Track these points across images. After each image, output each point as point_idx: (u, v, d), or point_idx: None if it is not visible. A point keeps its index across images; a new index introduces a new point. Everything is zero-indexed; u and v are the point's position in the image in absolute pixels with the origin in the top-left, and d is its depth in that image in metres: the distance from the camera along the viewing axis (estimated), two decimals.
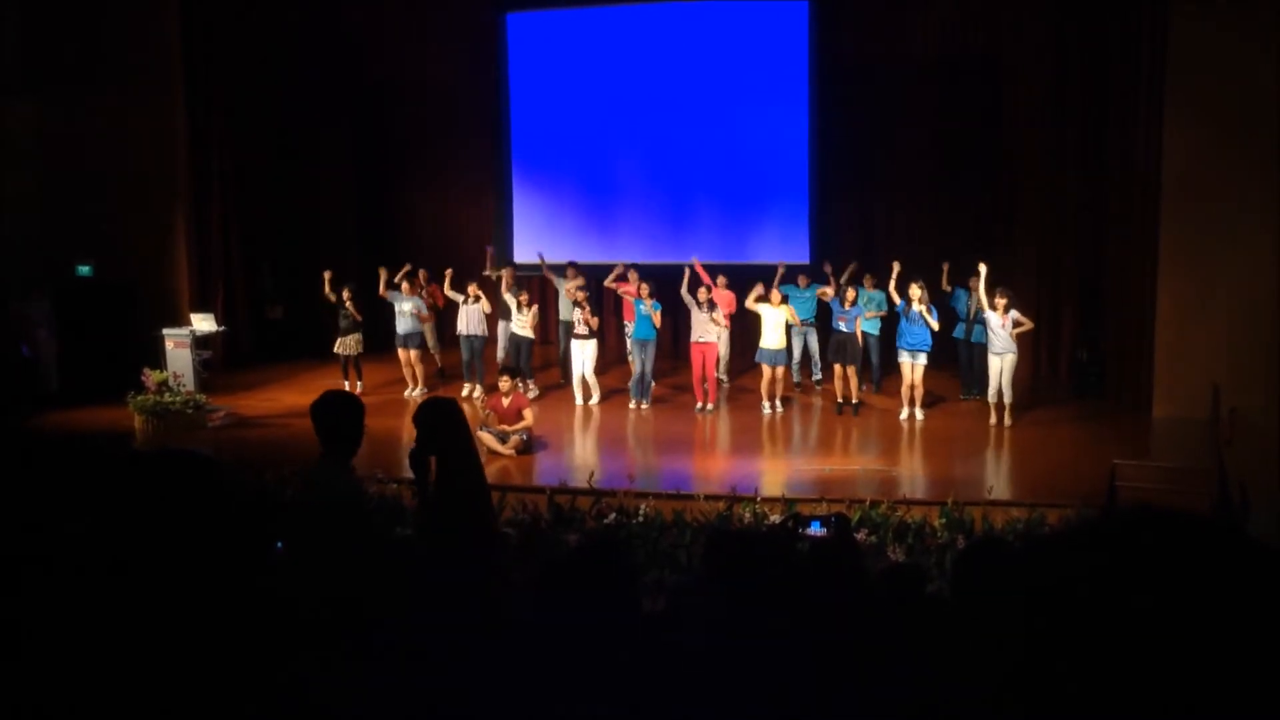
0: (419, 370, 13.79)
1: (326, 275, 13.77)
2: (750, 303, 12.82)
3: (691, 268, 13.47)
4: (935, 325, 12.26)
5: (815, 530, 3.99)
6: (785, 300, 12.81)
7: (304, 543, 4.43)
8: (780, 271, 13.77)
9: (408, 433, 12.03)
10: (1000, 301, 11.79)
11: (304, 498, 4.68)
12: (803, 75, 16.01)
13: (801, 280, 13.84)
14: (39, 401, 13.02)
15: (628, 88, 16.37)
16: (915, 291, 12.20)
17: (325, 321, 14.26)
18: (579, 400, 13.27)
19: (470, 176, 17.11)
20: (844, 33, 15.90)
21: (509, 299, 13.55)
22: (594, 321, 13.12)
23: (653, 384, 13.22)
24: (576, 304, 13.12)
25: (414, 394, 13.69)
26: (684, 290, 13.12)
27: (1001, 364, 11.83)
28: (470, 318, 13.42)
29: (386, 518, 9.36)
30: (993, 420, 12.05)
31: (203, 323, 13.58)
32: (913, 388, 12.32)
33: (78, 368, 13.58)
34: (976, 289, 12.52)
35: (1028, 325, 11.95)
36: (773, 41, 16.16)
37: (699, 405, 12.93)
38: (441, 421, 4.98)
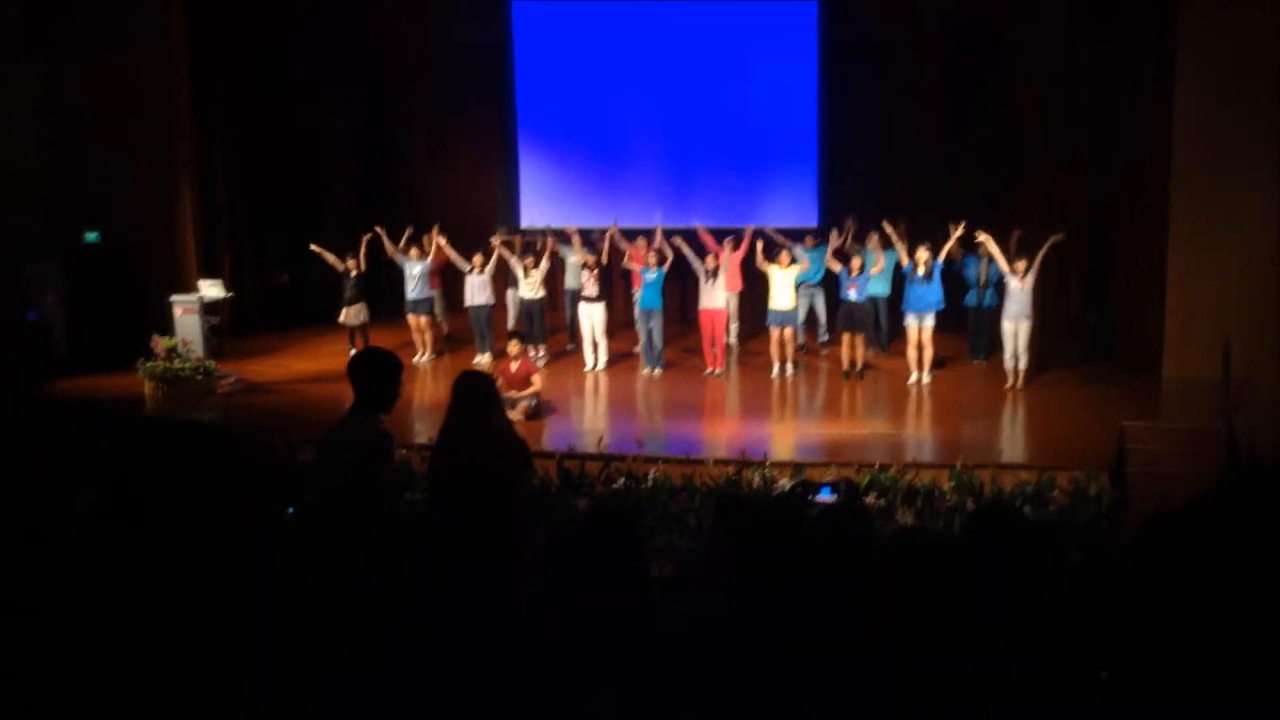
0: (428, 336, 13.78)
1: (365, 239, 13.76)
2: (760, 262, 12.77)
3: (695, 239, 13.31)
4: (946, 253, 12.22)
5: (825, 496, 3.99)
6: (793, 260, 12.77)
7: (325, 488, 4.42)
8: (773, 234, 13.62)
9: (418, 398, 12.12)
10: (1020, 265, 11.78)
11: (331, 443, 4.67)
12: (811, 40, 15.93)
13: (808, 240, 13.76)
14: (48, 367, 13.06)
15: (634, 51, 16.26)
16: (922, 254, 12.14)
17: (332, 287, 14.21)
18: (588, 364, 13.26)
19: (476, 143, 17.00)
20: None
21: (515, 266, 13.50)
22: (596, 274, 13.00)
23: (663, 350, 13.15)
24: (585, 265, 13.06)
25: (423, 360, 13.70)
26: (687, 251, 13.00)
27: (1017, 328, 11.83)
28: (474, 288, 13.38)
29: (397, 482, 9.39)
30: (1009, 384, 12.05)
31: (211, 289, 13.57)
32: (920, 348, 12.30)
33: (86, 333, 13.61)
34: (986, 255, 12.47)
35: (1036, 264, 11.87)
36: (780, 5, 16.03)
37: (708, 369, 12.94)
38: (480, 398, 4.99)
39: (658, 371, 12.99)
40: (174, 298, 13.20)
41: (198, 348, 12.85)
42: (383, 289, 14.52)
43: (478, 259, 13.40)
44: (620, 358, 13.62)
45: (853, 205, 15.50)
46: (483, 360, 13.24)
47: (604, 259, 13.41)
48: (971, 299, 13.26)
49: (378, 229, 13.66)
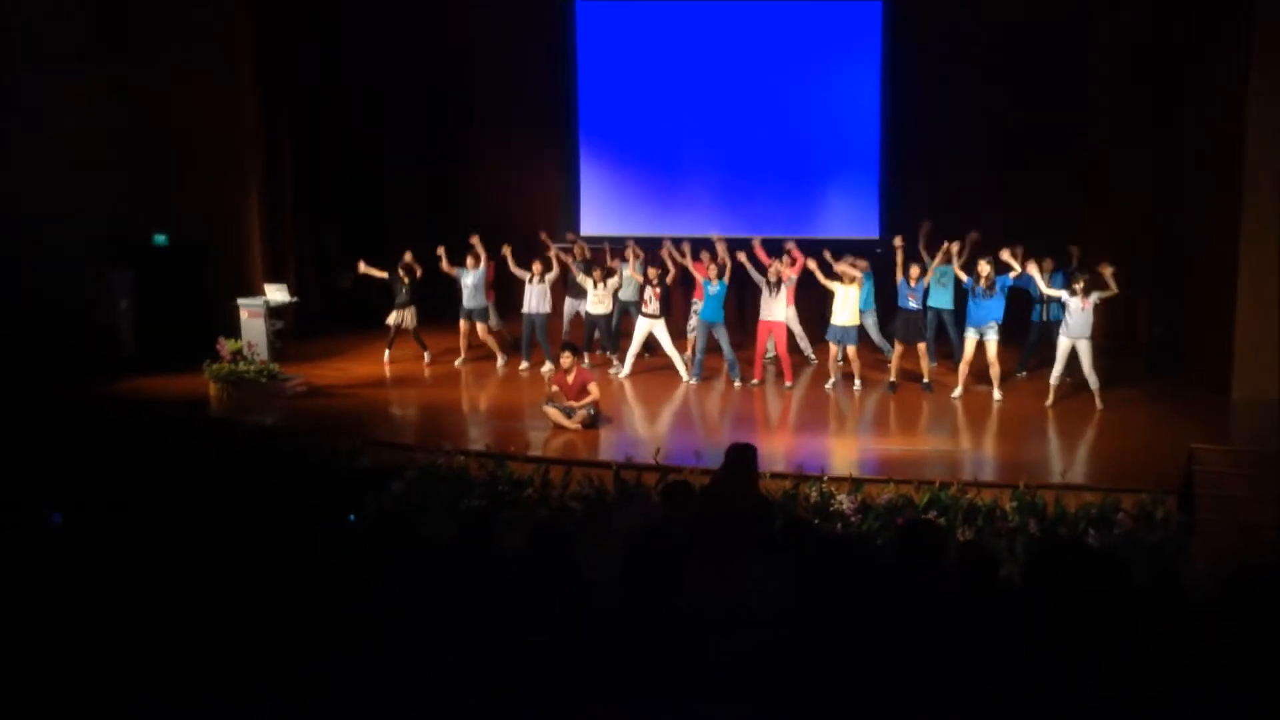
0: (492, 342, 13.84)
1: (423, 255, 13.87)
2: (823, 279, 12.64)
3: (751, 252, 13.21)
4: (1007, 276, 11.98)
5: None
6: (854, 278, 12.57)
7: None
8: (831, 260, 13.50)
9: (467, 403, 12.22)
10: (1078, 285, 11.56)
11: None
12: (875, 47, 15.79)
13: (864, 264, 13.53)
14: (116, 367, 13.30)
15: (695, 60, 16.24)
16: (984, 269, 11.95)
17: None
18: (621, 372, 13.29)
19: (538, 149, 17.04)
20: (916, 2, 15.61)
21: (583, 279, 13.56)
22: (659, 291, 13.06)
23: (735, 360, 13.08)
24: (647, 283, 13.04)
25: (500, 365, 13.79)
26: (745, 260, 12.97)
27: (1075, 348, 11.59)
28: (534, 295, 13.41)
29: (454, 489, 9.42)
30: (1048, 401, 11.83)
31: (276, 293, 13.76)
32: (977, 364, 12.16)
33: (154, 335, 13.84)
34: (1048, 269, 12.41)
35: (1111, 291, 11.63)
36: (843, 11, 15.93)
37: (754, 380, 12.94)
38: (745, 465, 6.09)
39: (737, 384, 12.95)
40: (240, 301, 13.39)
41: (262, 351, 13.04)
42: (436, 294, 14.67)
43: (537, 266, 13.42)
44: (665, 369, 13.48)
45: (915, 216, 15.37)
46: (547, 369, 13.26)
47: (669, 279, 13.40)
48: (1036, 314, 13.10)
49: (440, 251, 13.63)
